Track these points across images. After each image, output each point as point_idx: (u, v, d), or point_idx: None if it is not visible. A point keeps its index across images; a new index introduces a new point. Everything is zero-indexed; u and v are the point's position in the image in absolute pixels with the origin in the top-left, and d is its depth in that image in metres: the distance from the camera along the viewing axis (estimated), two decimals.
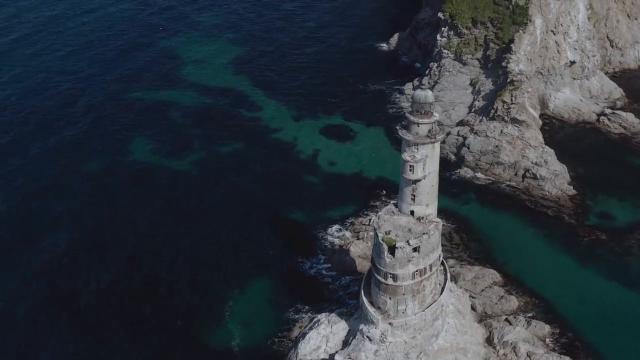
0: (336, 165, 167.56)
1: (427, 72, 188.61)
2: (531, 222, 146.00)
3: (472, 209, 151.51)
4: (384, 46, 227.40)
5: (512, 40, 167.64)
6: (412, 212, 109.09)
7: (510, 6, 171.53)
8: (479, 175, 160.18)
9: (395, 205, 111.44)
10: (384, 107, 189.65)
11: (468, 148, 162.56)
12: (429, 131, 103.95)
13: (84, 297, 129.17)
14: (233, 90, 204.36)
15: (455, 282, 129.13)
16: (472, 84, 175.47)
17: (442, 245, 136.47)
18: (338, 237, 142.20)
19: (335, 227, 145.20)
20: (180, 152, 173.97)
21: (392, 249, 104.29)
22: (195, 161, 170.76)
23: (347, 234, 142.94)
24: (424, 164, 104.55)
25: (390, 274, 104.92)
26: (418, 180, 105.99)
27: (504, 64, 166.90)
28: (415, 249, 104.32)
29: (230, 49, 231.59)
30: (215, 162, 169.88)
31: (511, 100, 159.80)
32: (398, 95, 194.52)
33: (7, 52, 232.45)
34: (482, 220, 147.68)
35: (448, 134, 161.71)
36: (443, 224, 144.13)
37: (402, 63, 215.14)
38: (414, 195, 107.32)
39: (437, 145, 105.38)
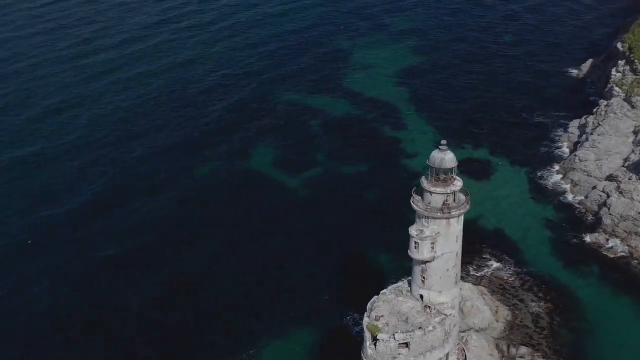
0: None
1: (595, 110, 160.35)
2: None
3: (585, 286, 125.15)
4: (574, 72, 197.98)
5: None
6: (422, 297, 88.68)
7: None
8: (613, 244, 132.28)
9: (410, 283, 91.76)
10: (538, 145, 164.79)
11: (608, 209, 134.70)
12: (444, 203, 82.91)
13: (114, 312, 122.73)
14: (387, 104, 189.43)
15: None
16: (635, 132, 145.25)
17: (525, 327, 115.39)
18: None
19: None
20: (300, 167, 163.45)
21: (376, 340, 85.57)
22: (311, 179, 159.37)
23: None
24: (433, 243, 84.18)
25: None
26: (428, 261, 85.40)
27: None
28: (405, 345, 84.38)
29: (406, 58, 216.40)
30: (330, 184, 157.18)
31: None
32: (560, 133, 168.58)
33: (186, 39, 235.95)
34: (589, 303, 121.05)
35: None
36: (539, 299, 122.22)
37: (584, 94, 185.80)
38: (424, 278, 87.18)
39: (456, 222, 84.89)
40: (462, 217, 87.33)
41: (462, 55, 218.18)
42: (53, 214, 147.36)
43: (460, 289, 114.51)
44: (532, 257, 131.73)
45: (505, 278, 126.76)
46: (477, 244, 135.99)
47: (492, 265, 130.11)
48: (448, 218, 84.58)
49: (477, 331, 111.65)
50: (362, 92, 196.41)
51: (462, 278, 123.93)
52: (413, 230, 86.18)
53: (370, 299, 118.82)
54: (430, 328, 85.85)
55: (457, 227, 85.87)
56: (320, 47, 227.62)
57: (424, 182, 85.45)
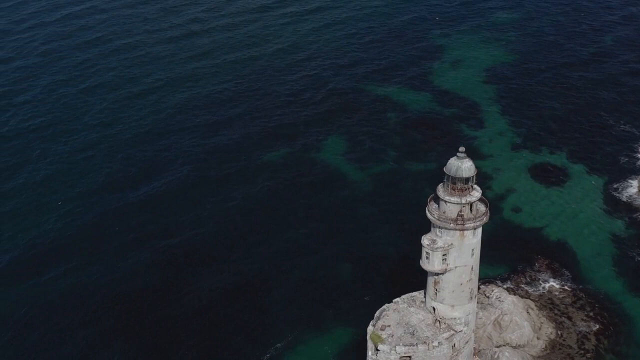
0: (520, 213, 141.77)
1: None
2: None
3: None
4: None
5: None
6: (434, 309, 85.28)
7: None
8: None
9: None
10: (619, 154, 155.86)
11: None
12: (459, 214, 79.24)
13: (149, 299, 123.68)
14: (470, 101, 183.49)
15: None
16: None
17: (567, 347, 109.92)
18: None
19: None
20: (367, 161, 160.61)
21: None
22: (375, 175, 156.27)
23: None
24: (445, 254, 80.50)
25: None
26: (440, 273, 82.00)
27: None
28: (408, 358, 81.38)
29: (500, 55, 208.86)
30: (394, 180, 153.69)
31: None
32: None
33: (283, 26, 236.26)
34: None
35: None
36: (588, 319, 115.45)
37: None
38: (436, 290, 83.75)
39: (471, 234, 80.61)
40: (479, 230, 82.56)
41: (564, 56, 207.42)
42: (119, 198, 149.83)
43: (501, 301, 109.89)
44: (591, 273, 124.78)
45: (557, 293, 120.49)
46: (535, 254, 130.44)
47: (546, 278, 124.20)
48: (461, 230, 79.91)
49: (513, 347, 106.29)
50: (447, 88, 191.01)
51: (511, 290, 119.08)
52: (425, 240, 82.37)
53: None
54: (436, 343, 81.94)
55: (472, 239, 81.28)
56: (416, 41, 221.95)
57: (440, 190, 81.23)
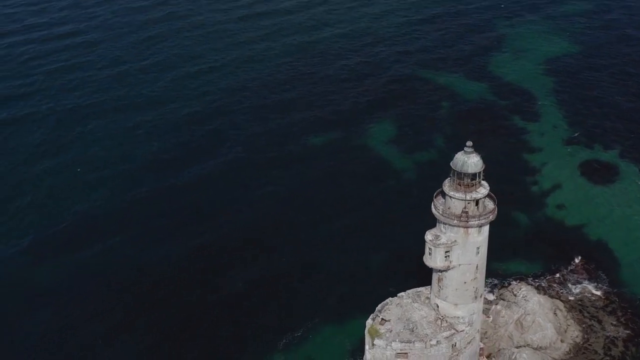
0: (563, 210, 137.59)
1: None
2: None
3: None
4: None
5: None
6: (438, 307, 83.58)
7: None
8: None
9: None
10: None
11: None
12: (463, 210, 77.20)
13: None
14: (528, 93, 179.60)
15: None
16: None
17: (593, 352, 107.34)
18: None
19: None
20: (413, 151, 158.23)
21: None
22: (419, 165, 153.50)
23: (489, 296, 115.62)
24: (447, 251, 78.58)
25: None
26: (443, 270, 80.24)
27: None
28: (405, 355, 80.00)
29: (565, 47, 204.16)
30: (436, 172, 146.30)
31: None
32: None
33: (347, 10, 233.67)
34: None
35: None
36: (619, 324, 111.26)
37: None
38: (440, 287, 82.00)
39: (476, 232, 78.31)
40: (486, 228, 79.82)
41: (631, 51, 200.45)
42: (160, 179, 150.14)
43: (527, 300, 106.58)
44: (628, 279, 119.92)
45: (589, 295, 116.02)
46: (572, 254, 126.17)
47: (580, 279, 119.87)
48: (465, 227, 77.47)
49: (534, 349, 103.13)
50: (506, 79, 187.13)
51: (542, 289, 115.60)
52: (428, 235, 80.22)
53: None
54: (434, 342, 79.84)
55: (477, 237, 78.70)
56: (479, 30, 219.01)
57: (446, 185, 78.88)
